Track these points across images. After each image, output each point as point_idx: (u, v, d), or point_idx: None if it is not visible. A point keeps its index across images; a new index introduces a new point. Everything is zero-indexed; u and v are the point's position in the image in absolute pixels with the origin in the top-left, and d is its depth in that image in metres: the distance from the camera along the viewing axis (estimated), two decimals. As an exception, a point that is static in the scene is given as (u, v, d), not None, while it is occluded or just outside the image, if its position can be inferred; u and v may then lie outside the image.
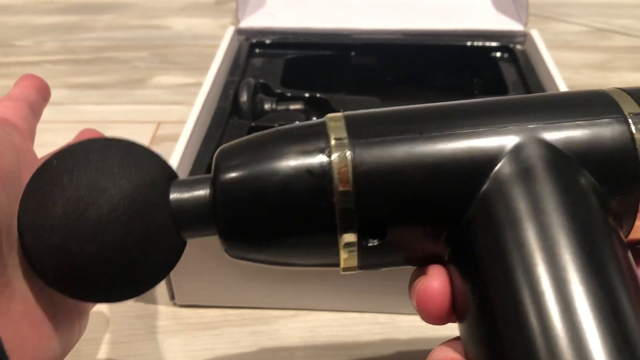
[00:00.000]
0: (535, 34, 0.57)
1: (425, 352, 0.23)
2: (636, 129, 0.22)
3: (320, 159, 0.22)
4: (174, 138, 0.63)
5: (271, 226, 0.22)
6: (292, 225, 0.22)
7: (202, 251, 0.38)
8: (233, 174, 0.22)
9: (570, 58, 0.73)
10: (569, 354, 0.18)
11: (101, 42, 0.78)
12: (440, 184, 0.21)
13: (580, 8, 0.85)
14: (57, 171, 0.22)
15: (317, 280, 0.40)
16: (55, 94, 0.72)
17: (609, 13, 0.83)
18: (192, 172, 0.41)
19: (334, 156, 0.22)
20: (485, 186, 0.21)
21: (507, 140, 0.22)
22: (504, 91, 0.52)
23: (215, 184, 0.23)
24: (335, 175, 0.21)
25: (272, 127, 0.47)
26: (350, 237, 0.22)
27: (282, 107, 0.50)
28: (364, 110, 0.24)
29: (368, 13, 0.63)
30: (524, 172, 0.21)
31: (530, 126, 0.22)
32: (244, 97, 0.48)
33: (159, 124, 0.62)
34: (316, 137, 0.22)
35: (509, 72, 0.55)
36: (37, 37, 0.79)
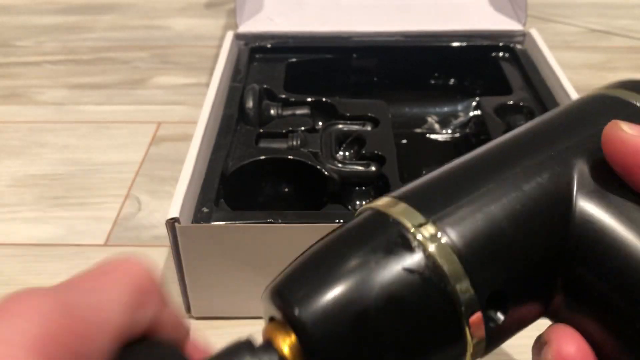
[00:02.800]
0: (535, 33, 0.57)
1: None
2: None
3: (412, 255, 0.19)
4: (175, 138, 0.64)
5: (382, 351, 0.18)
6: (414, 339, 0.19)
7: (218, 262, 0.38)
8: (318, 307, 0.18)
9: (569, 58, 0.73)
10: None
11: (101, 43, 0.78)
12: (533, 222, 0.20)
13: (579, 9, 0.85)
14: None
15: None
16: (56, 94, 0.72)
17: (608, 14, 0.84)
18: (206, 181, 0.41)
19: (431, 247, 0.19)
20: (575, 209, 0.21)
21: (567, 161, 0.22)
22: (507, 91, 0.52)
23: (298, 327, 0.19)
24: (445, 267, 0.19)
25: (280, 132, 0.47)
26: (476, 321, 0.19)
27: (288, 112, 0.50)
28: (412, 183, 0.22)
29: (367, 15, 0.63)
30: (600, 181, 0.21)
31: (577, 143, 0.22)
32: (250, 104, 0.48)
33: (159, 124, 0.62)
34: (386, 232, 0.20)
35: (511, 72, 0.55)
36: (37, 37, 0.79)
